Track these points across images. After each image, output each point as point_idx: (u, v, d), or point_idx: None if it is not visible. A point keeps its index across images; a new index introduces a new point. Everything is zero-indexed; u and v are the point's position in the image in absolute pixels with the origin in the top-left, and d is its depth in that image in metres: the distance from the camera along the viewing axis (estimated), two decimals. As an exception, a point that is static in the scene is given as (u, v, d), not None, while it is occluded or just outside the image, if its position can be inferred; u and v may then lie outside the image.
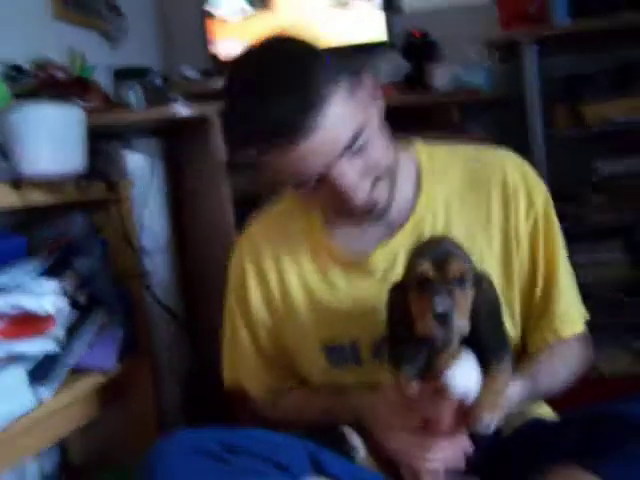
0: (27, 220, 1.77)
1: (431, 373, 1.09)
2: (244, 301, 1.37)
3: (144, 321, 1.96)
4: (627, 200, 2.39)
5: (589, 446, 1.07)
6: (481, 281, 1.11)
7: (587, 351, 1.33)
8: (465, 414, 1.08)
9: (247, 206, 2.00)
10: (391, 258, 1.26)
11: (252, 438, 1.13)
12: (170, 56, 2.94)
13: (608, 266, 2.49)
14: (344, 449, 1.17)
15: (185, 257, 2.20)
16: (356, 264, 1.29)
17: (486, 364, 1.08)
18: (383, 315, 1.18)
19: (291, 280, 1.33)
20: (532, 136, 2.38)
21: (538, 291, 1.28)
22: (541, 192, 1.29)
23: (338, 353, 1.30)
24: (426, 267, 1.07)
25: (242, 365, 1.40)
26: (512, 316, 1.28)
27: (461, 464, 1.14)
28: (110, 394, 1.85)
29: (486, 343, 1.09)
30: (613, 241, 2.51)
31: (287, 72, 1.10)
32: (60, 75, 1.64)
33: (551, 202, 1.29)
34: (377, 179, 1.19)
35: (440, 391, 1.07)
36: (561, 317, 1.28)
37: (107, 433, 2.04)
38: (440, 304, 1.03)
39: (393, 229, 1.28)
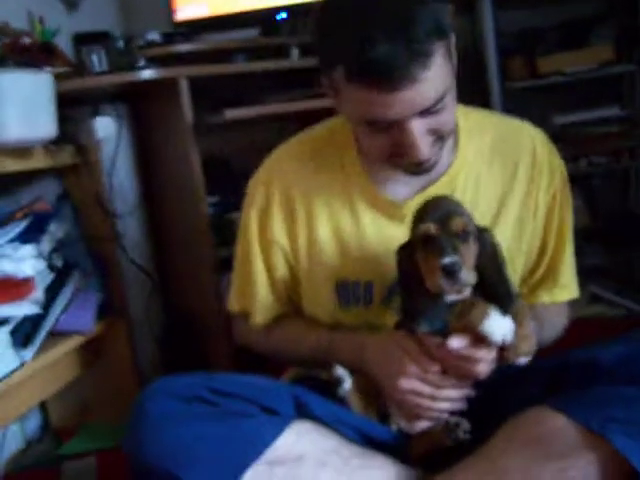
0: (-1, 187, 1.79)
1: (461, 325, 1.14)
2: (265, 228, 1.35)
3: (119, 282, 2.00)
4: (581, 149, 2.46)
5: (557, 390, 1.16)
6: (483, 236, 1.17)
7: (566, 319, 1.43)
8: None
9: (215, 167, 2.04)
10: None
11: (238, 383, 1.17)
12: (129, 20, 2.91)
13: None
14: (330, 380, 1.22)
15: (155, 218, 2.23)
16: (389, 210, 1.31)
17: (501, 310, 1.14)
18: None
19: (320, 218, 1.33)
20: (489, 88, 2.43)
21: (546, 259, 1.36)
22: (562, 171, 1.36)
23: (351, 291, 1.33)
24: (429, 225, 1.12)
25: (251, 294, 1.39)
26: (513, 274, 1.33)
27: (463, 407, 1.20)
28: (89, 355, 1.90)
29: (495, 292, 1.15)
30: (571, 188, 2.59)
31: (398, 13, 1.08)
32: (26, 40, 1.63)
33: (568, 182, 1.37)
34: (439, 139, 1.20)
35: (480, 340, 1.12)
36: (561, 286, 1.37)
37: (86, 393, 2.10)
38: (446, 258, 1.08)
39: (429, 182, 1.31)
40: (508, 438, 1.11)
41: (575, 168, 2.49)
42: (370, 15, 1.08)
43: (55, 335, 1.72)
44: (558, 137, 2.42)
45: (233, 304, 1.44)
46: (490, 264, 1.17)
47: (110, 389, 2.07)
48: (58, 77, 1.67)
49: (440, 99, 1.13)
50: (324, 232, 1.33)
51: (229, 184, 2.02)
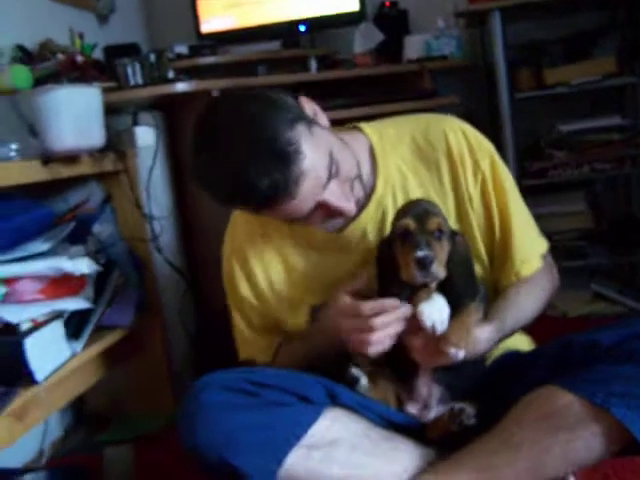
0: (47, 191, 1.92)
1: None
2: (235, 295, 1.51)
3: (154, 281, 2.13)
4: (586, 156, 2.56)
5: (562, 371, 1.26)
6: (455, 237, 1.31)
7: (551, 276, 1.48)
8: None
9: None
10: (361, 232, 1.42)
11: (275, 376, 1.30)
12: (155, 32, 3.04)
13: (571, 217, 2.64)
14: (348, 380, 1.33)
15: (189, 222, 2.35)
16: (328, 244, 1.44)
17: (457, 308, 1.26)
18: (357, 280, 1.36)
19: (276, 269, 1.47)
20: (498, 98, 2.53)
21: (497, 240, 1.43)
22: (485, 152, 1.42)
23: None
24: (408, 221, 1.27)
25: (246, 344, 1.55)
26: (483, 265, 1.45)
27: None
28: (128, 348, 2.02)
29: (458, 289, 1.28)
30: (574, 194, 2.67)
31: (255, 139, 1.19)
32: (79, 58, 1.77)
33: (497, 159, 1.43)
34: (353, 182, 1.34)
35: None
36: (520, 259, 1.42)
37: (120, 386, 2.21)
38: (420, 252, 1.23)
39: (360, 209, 1.41)
40: (520, 416, 1.23)
41: (579, 174, 2.57)
42: (234, 155, 1.19)
43: (99, 329, 1.85)
44: (563, 144, 2.57)
45: (241, 355, 1.58)
46: (460, 263, 1.30)
47: (143, 382, 2.19)
48: (105, 91, 1.81)
49: (330, 165, 1.25)
50: (281, 277, 1.47)
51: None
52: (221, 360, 1.37)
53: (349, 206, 1.32)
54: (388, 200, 1.42)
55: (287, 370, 1.34)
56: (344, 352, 1.34)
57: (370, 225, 1.42)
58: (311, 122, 1.27)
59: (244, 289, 1.49)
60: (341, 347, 1.33)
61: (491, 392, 1.35)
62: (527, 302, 1.41)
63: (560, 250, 2.54)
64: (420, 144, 1.43)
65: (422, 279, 1.25)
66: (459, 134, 1.42)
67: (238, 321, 1.54)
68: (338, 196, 1.29)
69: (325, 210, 1.30)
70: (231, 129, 1.21)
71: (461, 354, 1.22)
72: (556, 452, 1.19)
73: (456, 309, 1.25)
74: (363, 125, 1.47)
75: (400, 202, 1.40)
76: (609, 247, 2.72)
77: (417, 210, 1.28)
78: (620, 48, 2.58)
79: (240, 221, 1.52)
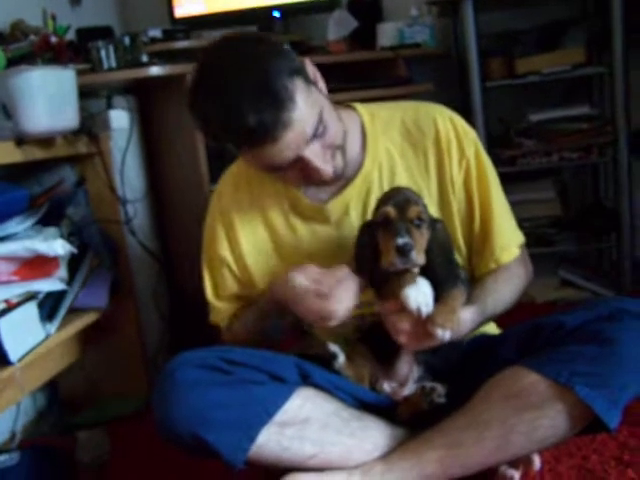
0: (20, 173, 1.91)
1: (392, 291, 1.31)
2: (213, 253, 1.54)
3: (127, 264, 2.13)
4: (554, 144, 2.59)
5: (529, 352, 1.30)
6: (435, 225, 1.35)
7: (526, 267, 1.53)
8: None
9: (219, 158, 2.17)
10: (344, 208, 1.47)
11: (247, 354, 1.32)
12: (128, 16, 3.02)
13: (540, 204, 2.67)
14: (326, 357, 1.38)
15: (162, 205, 2.36)
16: (314, 214, 1.48)
17: (440, 293, 1.30)
18: (338, 255, 1.42)
19: (260, 233, 1.51)
20: (470, 87, 2.56)
21: (477, 226, 1.48)
22: (471, 141, 1.47)
23: None
24: (389, 209, 1.31)
25: (212, 309, 1.59)
26: (458, 251, 1.48)
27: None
28: (102, 331, 2.03)
29: (438, 276, 1.32)
30: (544, 182, 2.71)
31: (253, 77, 1.23)
32: (53, 39, 1.76)
33: (481, 148, 1.48)
34: (335, 150, 1.37)
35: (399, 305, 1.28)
36: (499, 248, 1.47)
37: (93, 368, 2.20)
38: (400, 239, 1.27)
39: (345, 183, 1.47)
40: (488, 395, 1.27)
41: (548, 162, 2.60)
42: (230, 89, 1.24)
43: (73, 311, 1.85)
44: (533, 133, 2.60)
45: (210, 318, 1.61)
46: (440, 250, 1.34)
47: (117, 365, 2.20)
48: (79, 73, 1.81)
49: (318, 123, 1.29)
50: (266, 242, 1.51)
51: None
52: (195, 342, 1.39)
53: (326, 169, 1.35)
54: (374, 178, 1.46)
55: (261, 350, 1.36)
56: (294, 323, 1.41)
57: (354, 201, 1.46)
58: (309, 81, 1.31)
59: (224, 250, 1.52)
60: (290, 317, 1.39)
61: (462, 373, 1.39)
62: (505, 289, 1.45)
63: (529, 237, 2.57)
64: (410, 129, 1.48)
65: (402, 265, 1.28)
66: (448, 122, 1.47)
67: (206, 283, 1.57)
68: (318, 156, 1.32)
69: (303, 168, 1.33)
70: (233, 65, 1.26)
71: (447, 335, 1.25)
72: (522, 430, 1.23)
73: (437, 294, 1.29)
74: (357, 105, 1.52)
75: (386, 182, 1.45)
76: (577, 234, 2.77)
77: (398, 198, 1.32)
78: (589, 39, 2.61)
79: (228, 183, 1.55)
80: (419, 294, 1.27)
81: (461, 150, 1.46)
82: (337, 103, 1.46)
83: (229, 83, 1.24)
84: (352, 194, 1.46)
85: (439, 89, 2.58)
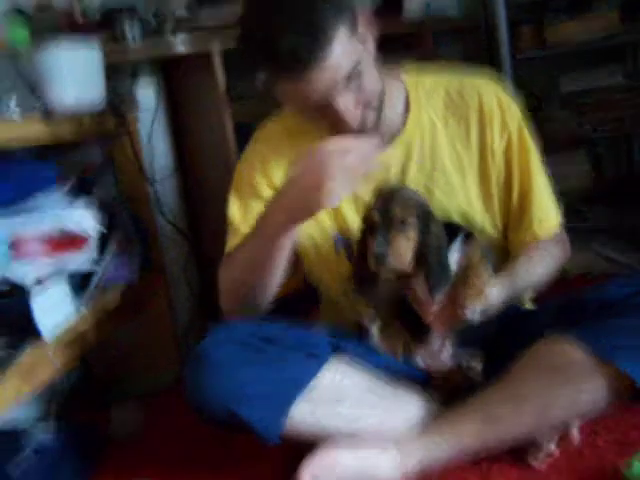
0: (48, 152, 1.91)
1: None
2: (249, 180, 1.51)
3: (156, 242, 2.13)
4: (587, 114, 2.55)
5: (569, 324, 1.28)
6: (430, 223, 1.32)
7: (563, 249, 1.51)
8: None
9: (247, 134, 2.16)
10: (385, 168, 1.45)
11: (281, 330, 1.32)
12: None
13: (573, 177, 2.64)
14: (360, 329, 1.39)
15: (190, 183, 2.35)
16: None
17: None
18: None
19: None
20: (500, 58, 2.53)
21: (515, 198, 1.47)
22: (514, 114, 1.47)
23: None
24: (373, 213, 1.30)
25: (234, 236, 1.51)
26: (494, 223, 1.47)
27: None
28: (132, 307, 2.03)
29: (432, 274, 1.30)
30: (577, 154, 2.69)
31: (298, 6, 1.23)
32: (79, 18, 1.76)
33: (524, 121, 1.48)
34: (368, 105, 1.35)
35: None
36: (537, 220, 1.46)
37: (125, 345, 2.21)
38: (377, 247, 1.27)
39: (387, 145, 1.45)
40: (526, 368, 1.26)
41: (580, 133, 2.59)
42: (275, 14, 1.24)
43: (103, 287, 1.85)
44: (565, 102, 2.56)
45: (227, 248, 1.55)
46: (432, 251, 1.31)
47: (148, 341, 2.20)
48: (105, 50, 1.80)
49: (354, 69, 1.27)
50: None
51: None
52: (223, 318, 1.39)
53: (354, 119, 1.33)
54: (415, 143, 1.45)
55: (294, 324, 1.35)
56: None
57: (394, 163, 1.46)
58: (357, 32, 1.29)
59: (258, 179, 1.50)
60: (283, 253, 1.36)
61: (497, 345, 1.39)
62: (537, 268, 1.43)
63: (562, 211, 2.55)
64: (454, 98, 1.48)
65: (381, 271, 1.30)
66: (492, 95, 1.47)
67: (232, 207, 1.53)
68: (348, 106, 1.31)
69: (330, 114, 1.31)
70: None
71: (477, 316, 1.25)
72: (561, 404, 1.22)
73: (432, 294, 1.30)
74: (403, 69, 1.51)
75: (427, 147, 1.45)
76: (611, 207, 2.73)
77: (386, 202, 1.31)
78: (622, 3, 2.54)
79: (266, 131, 1.55)
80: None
81: (504, 122, 1.45)
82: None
83: (276, 5, 1.25)
84: (393, 156, 1.45)
85: (469, 61, 2.53)
